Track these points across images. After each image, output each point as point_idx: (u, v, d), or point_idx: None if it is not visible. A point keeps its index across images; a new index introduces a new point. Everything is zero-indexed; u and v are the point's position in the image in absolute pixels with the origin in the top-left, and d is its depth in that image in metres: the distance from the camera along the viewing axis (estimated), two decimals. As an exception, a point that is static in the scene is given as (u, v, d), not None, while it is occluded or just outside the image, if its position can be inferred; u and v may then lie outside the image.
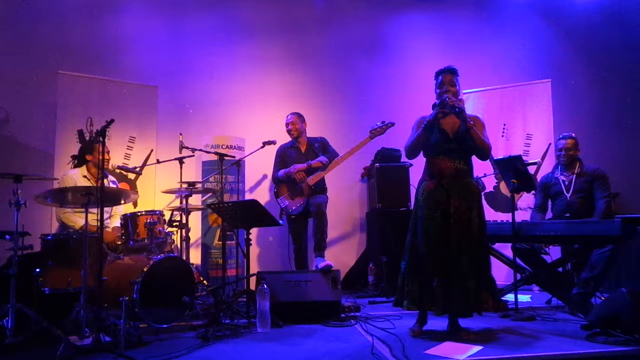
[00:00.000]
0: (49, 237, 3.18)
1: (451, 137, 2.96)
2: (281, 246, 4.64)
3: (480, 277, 2.84)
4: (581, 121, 5.30)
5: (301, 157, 4.43)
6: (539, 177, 4.47)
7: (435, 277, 2.82)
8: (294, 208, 4.29)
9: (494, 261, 4.13)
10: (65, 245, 3.13)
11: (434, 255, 2.83)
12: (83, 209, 3.01)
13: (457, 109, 2.86)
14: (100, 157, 3.64)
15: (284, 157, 4.48)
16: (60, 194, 3.22)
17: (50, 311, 2.93)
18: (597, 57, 5.68)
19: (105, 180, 3.15)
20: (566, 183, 3.98)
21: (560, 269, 3.94)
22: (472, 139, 2.91)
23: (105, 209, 3.41)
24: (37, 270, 3.02)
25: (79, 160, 3.97)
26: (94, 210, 2.95)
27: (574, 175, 3.95)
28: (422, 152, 3.09)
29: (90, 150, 3.89)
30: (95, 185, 3.15)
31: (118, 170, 4.46)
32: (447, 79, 3.02)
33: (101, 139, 2.89)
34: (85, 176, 3.85)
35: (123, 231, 3.64)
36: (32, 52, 4.83)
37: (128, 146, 4.78)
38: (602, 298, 3.57)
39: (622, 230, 3.18)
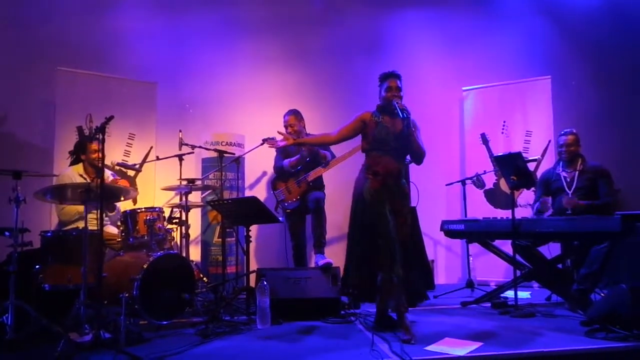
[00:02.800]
0: (49, 234, 3.18)
1: (394, 138, 3.02)
2: (281, 243, 4.63)
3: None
4: (581, 117, 5.27)
5: (301, 153, 4.40)
6: (538, 174, 4.46)
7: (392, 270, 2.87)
8: (289, 202, 4.27)
9: (494, 258, 4.16)
10: (65, 241, 3.13)
11: (389, 249, 2.86)
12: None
13: (405, 115, 2.91)
14: (96, 156, 3.65)
15: (286, 150, 4.44)
16: (59, 191, 3.21)
17: (50, 308, 2.94)
18: (597, 53, 5.65)
19: (105, 174, 3.12)
20: (568, 180, 3.95)
21: (560, 266, 3.94)
22: (412, 144, 3.00)
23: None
24: (37, 266, 3.02)
25: (75, 158, 3.96)
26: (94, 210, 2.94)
27: (576, 172, 3.92)
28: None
29: (84, 150, 3.86)
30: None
31: (117, 168, 4.45)
32: (394, 84, 3.08)
33: (100, 135, 2.88)
34: (81, 175, 3.83)
35: (122, 227, 3.64)
36: (31, 48, 4.81)
37: (127, 143, 4.77)
38: (602, 294, 3.58)
39: (622, 227, 3.18)
